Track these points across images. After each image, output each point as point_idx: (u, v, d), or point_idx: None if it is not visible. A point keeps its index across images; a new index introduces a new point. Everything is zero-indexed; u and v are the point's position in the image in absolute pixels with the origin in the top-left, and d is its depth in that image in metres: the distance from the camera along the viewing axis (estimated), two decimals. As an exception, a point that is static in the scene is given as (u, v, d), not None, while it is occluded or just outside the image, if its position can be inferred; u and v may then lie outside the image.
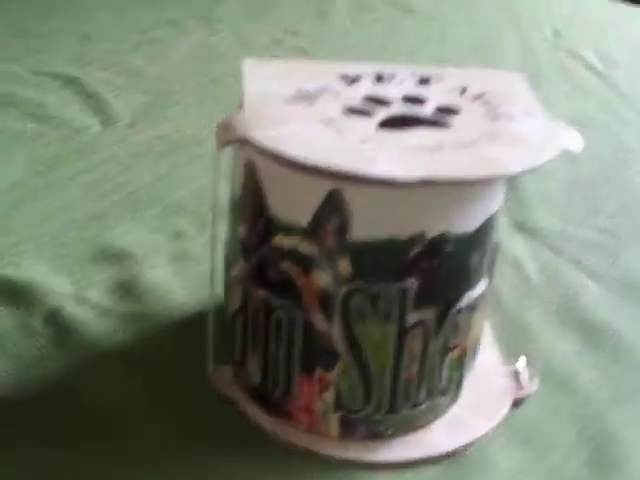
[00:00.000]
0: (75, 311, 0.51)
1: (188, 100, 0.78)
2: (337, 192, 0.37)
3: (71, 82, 0.81)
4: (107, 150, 0.70)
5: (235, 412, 0.45)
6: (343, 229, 0.37)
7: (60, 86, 0.80)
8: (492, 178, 0.36)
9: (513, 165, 0.37)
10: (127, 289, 0.54)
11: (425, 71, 0.46)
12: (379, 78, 0.45)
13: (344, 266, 0.38)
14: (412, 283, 0.39)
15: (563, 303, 0.55)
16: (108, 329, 0.50)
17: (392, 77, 0.45)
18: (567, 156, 0.40)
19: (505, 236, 0.62)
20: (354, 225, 0.37)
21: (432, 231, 0.38)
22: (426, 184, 0.36)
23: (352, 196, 0.37)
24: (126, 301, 0.53)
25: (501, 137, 0.39)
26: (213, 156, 0.40)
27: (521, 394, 0.47)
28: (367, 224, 0.37)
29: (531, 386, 0.47)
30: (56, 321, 0.51)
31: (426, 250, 0.38)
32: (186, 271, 0.56)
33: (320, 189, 0.37)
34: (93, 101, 0.78)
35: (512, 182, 0.69)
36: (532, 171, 0.38)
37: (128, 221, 0.61)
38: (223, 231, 0.45)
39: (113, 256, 0.57)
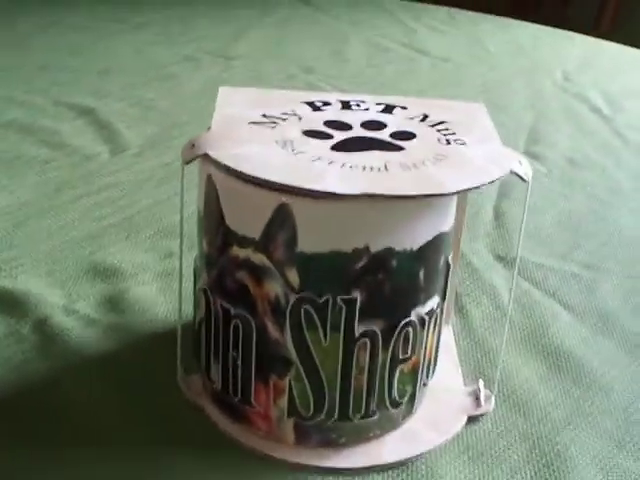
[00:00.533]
0: (63, 320, 0.54)
1: (195, 131, 0.82)
2: (285, 206, 0.39)
3: (87, 113, 0.85)
4: (112, 176, 0.73)
5: (202, 419, 0.47)
6: (291, 241, 0.40)
7: (75, 116, 0.84)
8: (429, 196, 0.38)
9: (451, 184, 0.39)
10: (114, 302, 0.57)
11: (392, 101, 0.49)
12: (345, 106, 0.48)
13: (293, 277, 0.41)
14: (358, 295, 0.41)
15: (533, 331, 0.57)
16: (91, 338, 0.53)
17: (358, 105, 0.48)
18: (518, 180, 0.42)
19: (485, 265, 0.64)
20: (301, 238, 0.40)
21: (376, 246, 0.40)
22: (366, 199, 0.38)
23: (299, 210, 0.39)
24: (111, 313, 0.56)
25: (447, 160, 0.42)
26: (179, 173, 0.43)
27: (477, 412, 0.49)
28: (314, 237, 0.40)
29: (487, 405, 0.49)
30: (44, 329, 0.54)
31: (371, 264, 0.40)
32: (172, 287, 0.59)
33: (270, 203, 0.40)
34: (105, 131, 0.82)
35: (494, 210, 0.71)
36: (473, 190, 0.40)
37: (122, 241, 0.64)
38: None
39: (104, 272, 0.60)
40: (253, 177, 0.39)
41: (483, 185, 0.40)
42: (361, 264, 0.40)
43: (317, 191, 0.38)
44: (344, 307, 0.41)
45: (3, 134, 0.79)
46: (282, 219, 0.40)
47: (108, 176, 0.73)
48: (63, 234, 0.64)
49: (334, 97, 0.49)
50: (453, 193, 0.39)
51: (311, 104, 0.47)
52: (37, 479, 0.43)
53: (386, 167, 0.41)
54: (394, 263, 0.41)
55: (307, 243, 0.40)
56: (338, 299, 0.41)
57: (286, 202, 0.39)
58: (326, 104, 0.48)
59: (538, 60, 1.12)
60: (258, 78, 0.96)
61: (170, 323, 0.55)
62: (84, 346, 0.52)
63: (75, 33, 1.07)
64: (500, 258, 0.66)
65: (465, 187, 0.39)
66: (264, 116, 0.46)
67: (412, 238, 0.41)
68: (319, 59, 1.04)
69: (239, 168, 0.39)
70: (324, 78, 0.98)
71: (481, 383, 0.50)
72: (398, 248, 0.41)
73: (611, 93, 1.01)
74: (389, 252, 0.40)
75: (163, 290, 0.58)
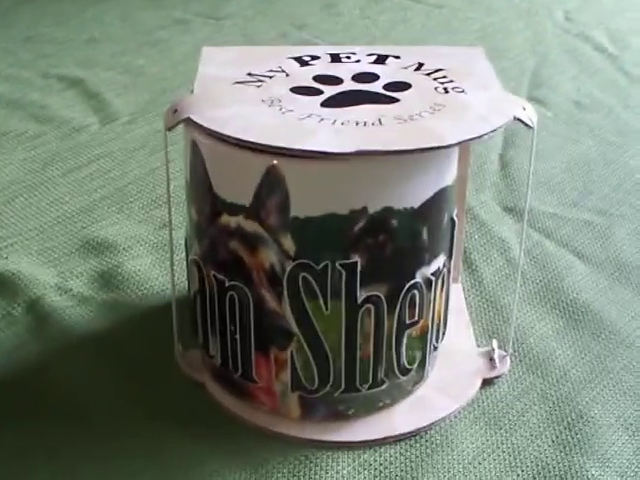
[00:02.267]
0: (55, 300, 0.52)
1: (187, 96, 0.79)
2: (275, 169, 0.37)
3: (75, 84, 0.82)
4: (102, 147, 0.71)
5: (203, 396, 0.45)
6: (284, 206, 0.37)
7: (64, 88, 0.81)
8: (427, 149, 0.36)
9: (450, 136, 0.36)
10: (108, 278, 0.55)
11: (384, 50, 0.46)
12: (334, 59, 0.45)
13: (288, 243, 0.38)
14: (358, 259, 0.38)
15: (546, 284, 0.55)
16: (85, 317, 0.51)
17: (348, 58, 0.45)
18: (523, 127, 0.39)
19: (494, 218, 0.62)
20: (294, 202, 0.37)
21: (374, 206, 0.37)
22: (360, 156, 0.35)
23: (290, 172, 0.37)
24: (105, 290, 0.54)
25: (446, 109, 0.39)
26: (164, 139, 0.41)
27: (491, 375, 0.46)
28: (307, 200, 0.37)
29: (502, 367, 0.47)
30: (36, 310, 0.52)
31: (370, 225, 0.38)
32: (167, 259, 0.56)
33: (258, 167, 0.37)
34: (95, 101, 0.79)
35: (503, 161, 0.68)
36: (475, 141, 0.37)
37: (115, 214, 0.61)
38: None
39: (97, 247, 0.58)
40: (239, 140, 0.36)
41: (485, 135, 0.37)
42: (359, 226, 0.38)
43: (307, 151, 0.36)
44: (344, 272, 0.39)
45: (-10, 110, 0.77)
46: (272, 183, 0.37)
47: (98, 147, 0.71)
48: (54, 210, 0.62)
49: (323, 50, 0.46)
50: (453, 145, 0.36)
51: (299, 59, 0.45)
52: (34, 462, 0.41)
53: (380, 121, 0.38)
54: (394, 223, 0.38)
55: (301, 207, 0.37)
56: (337, 264, 0.38)
57: (275, 164, 0.37)
58: (314, 58, 0.45)
59: (537, 1, 1.08)
60: (249, 37, 0.93)
61: (166, 297, 0.53)
62: (78, 325, 0.50)
63: (60, 2, 1.04)
64: (508, 209, 0.63)
65: (466, 138, 0.37)
66: (249, 75, 0.43)
67: (412, 195, 0.38)
68: (311, 14, 1.01)
69: (223, 131, 0.37)
70: (318, 34, 0.95)
71: (495, 343, 0.47)
72: (398, 207, 0.38)
73: (616, 30, 0.98)
74: (388, 212, 0.38)
75: (158, 263, 0.56)
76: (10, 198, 0.63)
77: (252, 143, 0.36)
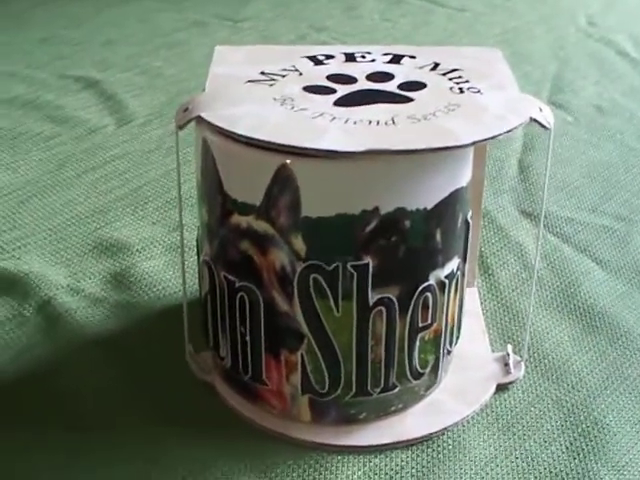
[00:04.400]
0: (67, 301, 0.52)
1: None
2: (285, 167, 0.36)
3: (92, 85, 0.82)
4: (118, 148, 0.70)
5: (213, 398, 0.45)
6: (295, 206, 0.37)
7: (80, 89, 0.81)
8: (441, 149, 0.35)
9: (465, 136, 0.36)
10: (120, 279, 0.54)
11: (400, 50, 0.45)
12: (349, 58, 0.44)
13: (299, 244, 0.38)
14: (369, 261, 0.38)
15: (564, 289, 0.54)
16: (97, 318, 0.51)
17: (363, 57, 0.44)
18: (543, 131, 0.39)
19: (511, 222, 0.61)
20: (305, 201, 0.37)
21: (386, 206, 0.37)
22: (371, 155, 0.35)
23: (301, 172, 0.36)
24: (118, 291, 0.53)
25: (460, 109, 0.38)
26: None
27: (506, 380, 0.46)
28: (318, 200, 0.37)
29: (517, 372, 0.46)
30: (47, 310, 0.51)
31: (382, 226, 0.37)
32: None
33: (269, 166, 0.37)
34: (111, 102, 0.79)
35: (522, 165, 0.68)
36: (489, 141, 0.36)
37: (129, 215, 0.61)
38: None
39: (110, 248, 0.57)
40: (249, 138, 0.36)
41: (500, 135, 0.37)
42: (371, 227, 0.37)
43: (319, 150, 0.35)
44: (355, 274, 0.38)
45: (6, 111, 0.77)
46: (283, 182, 0.37)
47: (114, 148, 0.70)
48: (68, 211, 0.62)
49: (338, 50, 0.45)
50: (467, 145, 0.36)
51: (313, 58, 0.44)
52: (44, 464, 0.41)
53: (393, 120, 0.37)
54: (407, 224, 0.38)
55: (312, 207, 0.37)
56: (348, 265, 0.38)
57: (286, 164, 0.36)
58: (329, 57, 0.44)
59: (560, 5, 1.07)
60: (268, 40, 0.93)
61: (179, 298, 0.52)
62: (89, 326, 0.50)
63: (77, 4, 1.04)
64: (526, 214, 0.62)
65: (480, 138, 0.36)
66: (262, 73, 0.42)
67: (425, 196, 0.38)
68: (331, 17, 1.00)
69: (234, 129, 0.36)
70: (337, 36, 0.95)
71: (510, 348, 0.47)
72: (410, 208, 0.37)
73: (639, 35, 0.96)
74: (401, 212, 0.37)
75: (172, 264, 0.56)
76: (25, 199, 0.63)
77: (263, 142, 0.36)
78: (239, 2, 1.04)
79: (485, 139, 0.36)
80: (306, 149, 0.35)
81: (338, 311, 0.39)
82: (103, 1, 1.05)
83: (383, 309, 0.39)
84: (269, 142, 0.35)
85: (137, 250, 0.57)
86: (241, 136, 0.36)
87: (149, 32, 0.95)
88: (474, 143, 0.36)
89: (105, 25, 0.98)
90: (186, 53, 0.89)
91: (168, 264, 0.56)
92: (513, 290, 0.53)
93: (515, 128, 0.37)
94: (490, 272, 0.55)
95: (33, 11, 1.02)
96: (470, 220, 0.42)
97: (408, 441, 0.42)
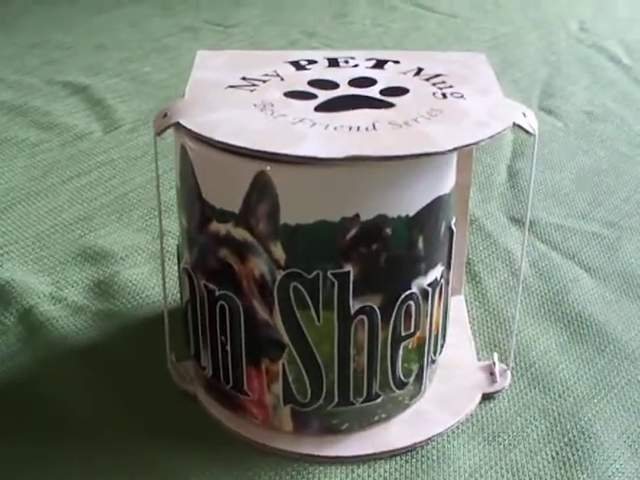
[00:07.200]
0: (49, 309, 0.51)
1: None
2: (264, 174, 0.36)
3: (80, 90, 0.82)
4: (104, 155, 0.70)
5: (195, 408, 0.44)
6: (274, 213, 0.36)
7: (68, 94, 0.81)
8: (421, 155, 0.35)
9: (446, 141, 0.35)
10: (103, 288, 0.54)
11: (384, 55, 0.45)
12: (332, 63, 0.44)
13: (278, 252, 0.37)
14: (350, 269, 0.37)
15: (552, 297, 0.53)
16: (79, 327, 0.50)
17: (346, 62, 0.44)
18: (526, 134, 0.38)
19: (499, 229, 0.60)
20: (284, 209, 0.36)
21: (366, 214, 0.36)
22: (351, 162, 0.34)
23: (279, 178, 0.36)
24: (101, 299, 0.53)
25: (443, 115, 0.38)
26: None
27: (491, 389, 0.45)
28: (297, 207, 0.36)
29: (503, 381, 0.45)
30: (28, 319, 0.51)
31: (362, 234, 0.37)
32: (165, 269, 0.55)
33: (247, 173, 0.36)
34: (99, 108, 0.78)
35: (511, 170, 0.67)
36: (477, 146, 0.36)
37: (114, 222, 0.61)
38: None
39: (94, 256, 0.57)
40: (227, 144, 0.35)
41: (482, 141, 0.36)
42: (351, 234, 0.37)
43: (297, 156, 0.34)
44: (336, 282, 0.37)
45: (-8, 117, 0.76)
46: (262, 189, 0.36)
47: (100, 155, 0.70)
48: (52, 217, 0.61)
49: (321, 55, 0.45)
50: (448, 151, 0.35)
51: (295, 63, 0.44)
52: (23, 473, 0.40)
53: (374, 126, 0.37)
54: (388, 231, 0.37)
55: (291, 214, 0.36)
56: (329, 274, 0.37)
57: (265, 170, 0.36)
58: (312, 62, 0.44)
59: (551, 11, 1.07)
60: (259, 45, 0.92)
61: (162, 307, 0.51)
62: (71, 335, 0.49)
63: (68, 9, 1.04)
64: (515, 221, 0.61)
65: (462, 143, 0.36)
66: (243, 79, 0.42)
67: (407, 203, 0.37)
68: (322, 23, 1.00)
69: (212, 135, 0.36)
70: (328, 42, 0.94)
71: (496, 357, 0.46)
72: (392, 215, 0.37)
73: (631, 41, 0.96)
74: (382, 219, 0.37)
75: (156, 272, 0.55)
76: (8, 205, 0.63)
77: (241, 148, 0.35)
78: (230, 8, 1.04)
79: (466, 145, 0.36)
80: (285, 155, 0.34)
81: (319, 320, 0.38)
82: (94, 6, 1.05)
83: (365, 318, 0.39)
84: (247, 148, 0.35)
85: (121, 258, 0.56)
86: (219, 142, 0.35)
87: (140, 37, 0.95)
88: (455, 149, 0.35)
89: (96, 30, 0.97)
90: (176, 59, 0.89)
91: (152, 272, 0.55)
92: (500, 298, 0.53)
93: (498, 134, 0.37)
94: (477, 279, 0.55)
95: (24, 16, 1.01)
96: (454, 227, 0.41)
97: (392, 451, 0.41)
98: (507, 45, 0.95)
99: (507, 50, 0.93)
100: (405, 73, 0.42)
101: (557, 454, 0.41)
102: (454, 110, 0.38)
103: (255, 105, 0.39)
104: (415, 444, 0.42)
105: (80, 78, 0.84)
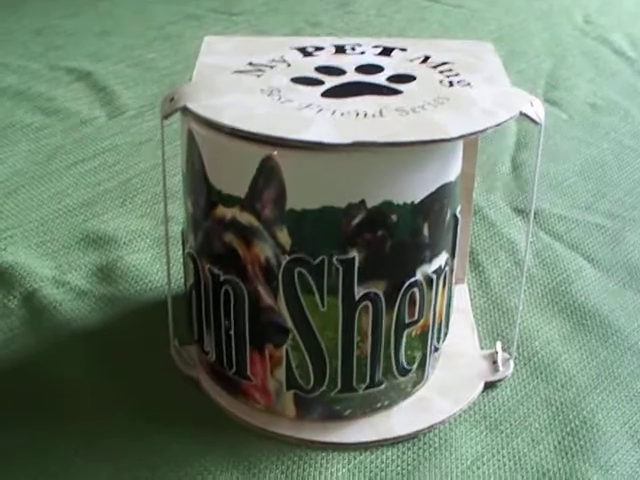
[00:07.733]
0: (52, 293, 0.51)
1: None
2: (270, 160, 0.36)
3: (84, 76, 0.81)
4: (109, 140, 0.70)
5: (198, 393, 0.44)
6: (280, 198, 0.36)
7: (72, 80, 0.81)
8: (428, 142, 0.35)
9: (453, 129, 0.35)
10: (106, 272, 0.54)
11: (391, 43, 0.45)
12: (339, 50, 0.44)
13: (283, 237, 0.37)
14: (355, 255, 0.37)
15: (555, 287, 0.53)
16: (82, 311, 0.50)
17: (353, 49, 0.44)
18: (537, 129, 0.38)
19: (503, 219, 0.60)
20: (290, 194, 0.36)
21: (372, 200, 0.36)
22: (358, 148, 0.34)
23: (286, 163, 0.36)
24: (104, 284, 0.53)
25: (450, 102, 0.38)
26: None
27: (494, 378, 0.45)
28: (303, 192, 0.36)
29: (506, 370, 0.45)
30: (32, 303, 0.51)
31: (368, 220, 0.37)
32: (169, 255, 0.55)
33: (254, 158, 0.36)
34: (103, 94, 0.78)
35: (515, 161, 0.67)
36: (478, 134, 0.36)
37: (117, 207, 0.60)
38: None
39: (97, 241, 0.57)
40: (234, 129, 0.35)
41: (489, 129, 0.36)
42: (357, 220, 0.37)
43: (304, 141, 0.34)
44: (341, 268, 0.37)
45: (-4, 102, 0.76)
46: (268, 174, 0.36)
47: (104, 140, 0.70)
48: (55, 202, 0.61)
49: (328, 41, 0.45)
50: (455, 138, 0.35)
51: (302, 50, 0.43)
52: (27, 458, 0.40)
53: (381, 113, 0.37)
54: (394, 218, 0.37)
55: (297, 199, 0.36)
56: (334, 259, 0.37)
57: (271, 155, 0.36)
58: (319, 49, 0.44)
59: (557, 3, 1.06)
60: (262, 34, 0.92)
61: (165, 292, 0.52)
62: (74, 319, 0.49)
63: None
64: (519, 211, 0.61)
65: (469, 131, 0.35)
66: (250, 64, 0.42)
67: (413, 190, 0.37)
68: (326, 12, 1.00)
69: (219, 120, 0.36)
70: (332, 31, 0.94)
71: (499, 346, 0.46)
72: (397, 201, 0.37)
73: (636, 34, 0.96)
74: (388, 206, 0.37)
75: (159, 257, 0.55)
76: (12, 190, 0.63)
77: (248, 133, 0.35)
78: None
79: (473, 133, 0.36)
80: (292, 140, 0.34)
81: (323, 306, 0.38)
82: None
83: (369, 304, 0.39)
84: (254, 133, 0.35)
85: (124, 243, 0.56)
86: (226, 127, 0.35)
87: (144, 24, 0.94)
88: (462, 137, 0.35)
89: (100, 16, 0.97)
90: (180, 45, 0.89)
91: (155, 257, 0.55)
92: (503, 287, 0.53)
93: (504, 122, 0.37)
94: (481, 269, 0.55)
95: (28, 1, 1.01)
96: (459, 215, 0.41)
97: (394, 438, 0.42)
98: (512, 36, 0.95)
99: (512, 41, 0.93)
100: (412, 61, 0.42)
101: (559, 443, 0.41)
102: (461, 98, 0.38)
103: (262, 90, 0.39)
104: (417, 431, 0.42)
105: (84, 64, 0.84)
